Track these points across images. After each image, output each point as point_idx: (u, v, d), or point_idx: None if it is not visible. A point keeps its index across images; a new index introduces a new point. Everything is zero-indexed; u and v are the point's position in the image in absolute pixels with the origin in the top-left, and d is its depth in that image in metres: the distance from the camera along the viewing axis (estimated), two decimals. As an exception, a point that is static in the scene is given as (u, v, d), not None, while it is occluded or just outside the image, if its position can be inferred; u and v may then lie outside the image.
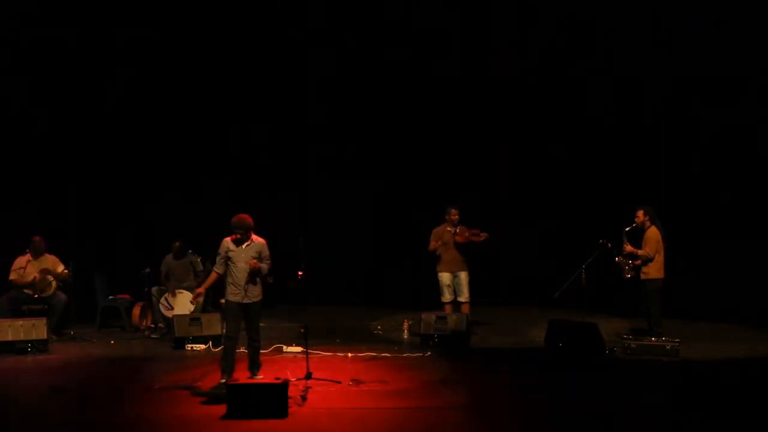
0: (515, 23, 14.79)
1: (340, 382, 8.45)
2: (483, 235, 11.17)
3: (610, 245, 10.14)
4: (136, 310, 11.60)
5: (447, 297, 11.21)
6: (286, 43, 14.78)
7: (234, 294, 8.58)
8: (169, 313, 11.11)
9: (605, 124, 14.26)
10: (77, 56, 13.51)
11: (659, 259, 9.96)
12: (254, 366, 8.70)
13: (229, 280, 8.59)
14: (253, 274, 8.54)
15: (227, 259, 8.57)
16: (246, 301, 8.57)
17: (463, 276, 11.19)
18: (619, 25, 13.93)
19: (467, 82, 14.80)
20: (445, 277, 11.19)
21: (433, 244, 11.19)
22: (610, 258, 10.20)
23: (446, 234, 11.20)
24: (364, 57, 14.66)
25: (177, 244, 11.53)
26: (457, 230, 11.14)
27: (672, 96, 13.74)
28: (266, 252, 8.72)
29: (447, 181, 14.40)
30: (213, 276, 8.70)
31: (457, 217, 11.19)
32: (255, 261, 8.50)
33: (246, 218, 8.56)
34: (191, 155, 14.06)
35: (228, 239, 8.64)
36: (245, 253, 8.58)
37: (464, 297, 11.20)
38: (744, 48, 12.84)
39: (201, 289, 8.92)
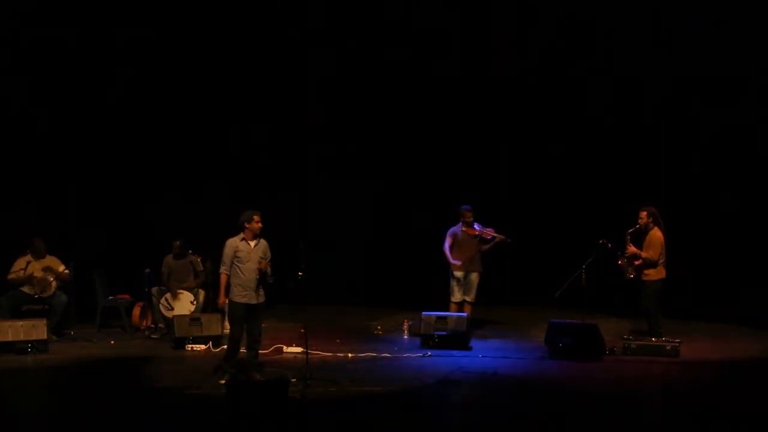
0: (515, 23, 14.78)
1: (340, 383, 8.45)
2: (494, 235, 11.16)
3: (610, 245, 10.14)
4: (136, 310, 11.59)
5: (457, 296, 11.21)
6: (286, 43, 14.77)
7: (242, 295, 8.58)
8: (169, 314, 11.10)
9: (605, 124, 14.26)
10: (77, 56, 13.49)
11: (661, 260, 9.95)
12: (253, 367, 8.68)
13: (236, 281, 8.60)
14: (263, 276, 8.57)
15: (234, 260, 8.59)
16: (254, 302, 8.59)
17: (474, 276, 11.20)
18: (619, 25, 13.92)
19: (467, 82, 14.80)
20: (456, 277, 11.19)
21: (447, 243, 11.18)
22: (610, 258, 10.19)
23: (461, 234, 11.21)
24: (364, 57, 14.66)
25: (177, 243, 11.52)
26: (476, 227, 11.17)
27: (672, 96, 13.73)
28: (269, 253, 8.78)
29: (447, 181, 14.40)
30: (223, 278, 8.71)
31: (471, 218, 11.21)
32: (264, 262, 8.56)
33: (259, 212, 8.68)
34: (191, 155, 14.05)
35: (235, 239, 8.66)
36: (255, 252, 8.63)
37: (470, 297, 11.21)
38: (744, 48, 12.84)
39: (223, 300, 8.85)
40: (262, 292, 8.68)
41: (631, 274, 10.03)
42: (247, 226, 8.64)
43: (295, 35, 14.73)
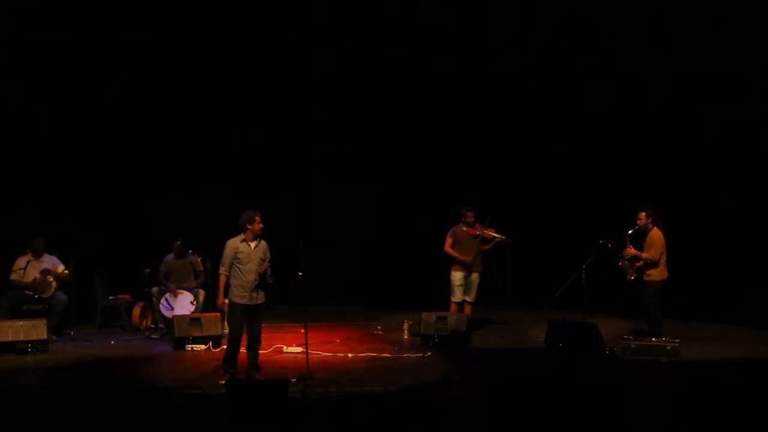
0: (515, 23, 14.77)
1: (340, 383, 8.45)
2: (495, 235, 11.16)
3: (610, 245, 10.13)
4: (136, 310, 11.58)
5: (457, 297, 11.19)
6: (286, 43, 14.76)
7: (241, 296, 8.57)
8: (169, 314, 11.10)
9: (605, 124, 14.25)
10: (77, 56, 13.48)
11: (662, 260, 9.95)
12: (253, 368, 8.70)
13: (236, 282, 8.59)
14: (262, 277, 8.57)
15: (234, 261, 8.58)
16: (253, 303, 8.59)
17: (475, 277, 11.19)
18: (619, 25, 13.92)
19: (467, 82, 14.79)
20: (457, 277, 11.18)
21: (448, 243, 11.18)
22: (610, 258, 10.18)
23: (461, 233, 11.21)
24: (364, 57, 14.65)
25: (178, 243, 11.51)
26: (476, 227, 11.18)
27: (672, 96, 13.73)
28: (269, 254, 8.78)
29: (447, 181, 14.39)
30: (223, 279, 8.69)
31: (472, 219, 11.21)
32: (265, 265, 8.57)
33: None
34: (191, 155, 14.03)
35: (235, 240, 8.65)
36: (255, 254, 8.62)
37: (471, 297, 11.20)
38: (744, 48, 12.84)
39: (222, 300, 8.82)
40: (262, 293, 8.68)
41: (632, 275, 10.02)
42: (249, 227, 8.62)
43: (295, 35, 14.72)
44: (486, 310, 12.31)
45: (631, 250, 10.00)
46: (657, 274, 9.92)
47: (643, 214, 10.03)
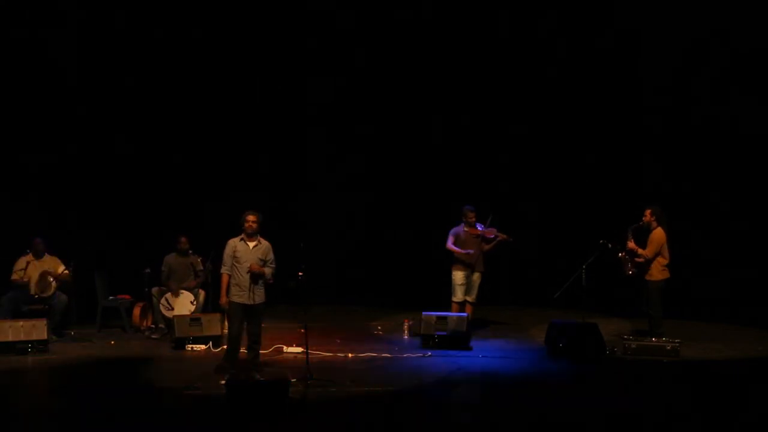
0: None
1: (340, 383, 8.45)
2: (497, 234, 11.16)
3: (610, 245, 10.13)
4: (137, 310, 11.58)
5: (458, 296, 11.19)
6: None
7: (239, 295, 8.60)
8: (169, 314, 11.09)
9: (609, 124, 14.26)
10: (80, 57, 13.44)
11: (662, 260, 9.94)
12: (254, 368, 8.70)
13: (233, 281, 8.63)
14: (255, 277, 8.58)
15: (233, 260, 8.61)
16: (250, 302, 8.61)
17: (476, 276, 11.20)
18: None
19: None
20: (458, 276, 11.17)
21: (450, 242, 11.17)
22: (611, 258, 10.18)
23: (463, 233, 11.20)
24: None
25: (183, 239, 11.48)
26: (478, 227, 11.18)
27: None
28: (271, 255, 8.80)
29: (446, 180, 14.38)
30: (224, 278, 8.72)
31: (473, 219, 11.21)
32: (256, 265, 8.57)
33: (257, 212, 8.69)
34: (191, 154, 14.01)
35: (234, 240, 8.69)
36: (252, 254, 8.64)
37: (472, 297, 11.21)
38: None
39: (224, 300, 8.83)
40: (260, 293, 8.70)
41: (630, 270, 10.03)
42: (242, 226, 8.71)
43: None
44: (487, 310, 12.31)
45: (631, 244, 10.01)
46: (657, 274, 9.92)
47: (649, 211, 10.06)
